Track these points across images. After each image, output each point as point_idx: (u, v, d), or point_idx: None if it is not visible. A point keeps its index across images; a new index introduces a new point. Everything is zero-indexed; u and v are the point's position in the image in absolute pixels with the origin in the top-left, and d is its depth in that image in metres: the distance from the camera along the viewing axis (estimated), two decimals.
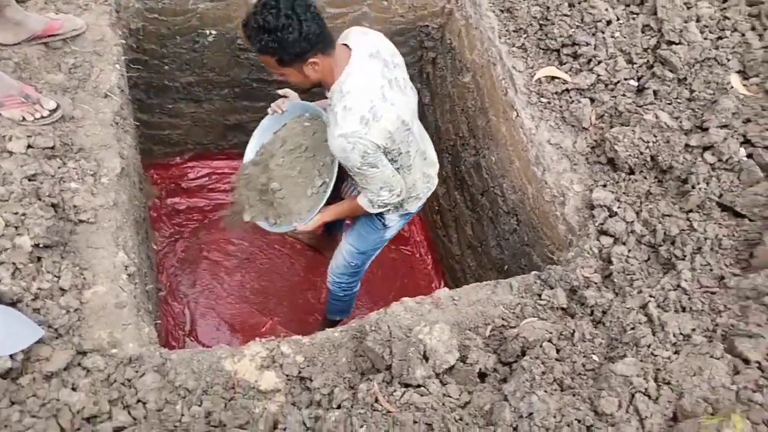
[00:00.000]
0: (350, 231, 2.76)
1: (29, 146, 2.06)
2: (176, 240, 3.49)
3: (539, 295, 2.15)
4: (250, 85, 3.46)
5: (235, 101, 3.54)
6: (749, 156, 2.38)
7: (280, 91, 2.60)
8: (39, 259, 1.82)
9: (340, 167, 2.30)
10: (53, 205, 1.94)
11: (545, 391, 1.67)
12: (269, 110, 2.59)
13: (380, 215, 2.52)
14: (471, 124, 3.23)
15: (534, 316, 2.06)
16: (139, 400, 1.63)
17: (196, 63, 3.24)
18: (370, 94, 2.01)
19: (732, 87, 2.53)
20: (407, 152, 2.24)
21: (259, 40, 1.89)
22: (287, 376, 1.79)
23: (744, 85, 2.56)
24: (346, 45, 2.09)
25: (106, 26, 2.57)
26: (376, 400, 1.68)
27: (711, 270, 2.10)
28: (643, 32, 2.81)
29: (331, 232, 3.51)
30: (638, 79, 2.73)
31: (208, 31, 3.09)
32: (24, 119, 2.15)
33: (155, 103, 3.36)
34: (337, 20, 3.24)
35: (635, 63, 2.74)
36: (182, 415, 1.60)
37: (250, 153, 2.62)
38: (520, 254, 2.86)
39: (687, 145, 2.44)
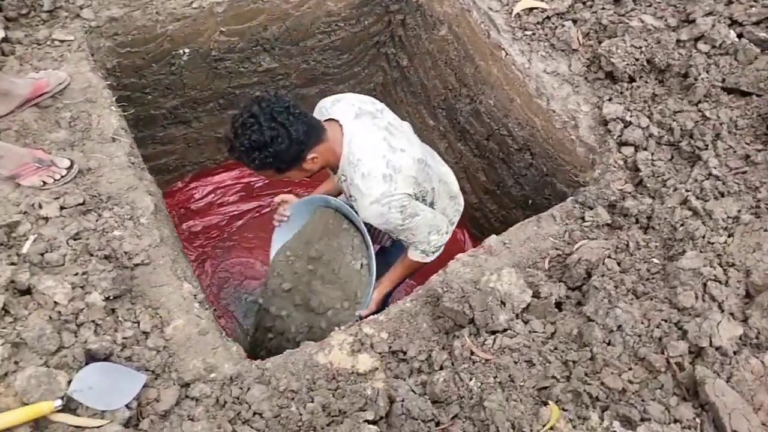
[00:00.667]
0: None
1: (62, 207, 2.07)
2: (204, 261, 3.52)
3: (582, 218, 2.23)
4: (233, 93, 3.45)
5: (222, 113, 3.53)
6: (740, 36, 2.46)
7: (276, 200, 2.50)
8: (113, 310, 1.85)
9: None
10: (106, 257, 1.96)
11: (625, 303, 1.76)
12: (275, 222, 2.49)
13: None
14: (458, 74, 3.26)
15: (584, 239, 2.14)
16: (255, 413, 1.69)
17: (176, 85, 3.22)
18: (379, 151, 1.96)
19: None
20: (432, 188, 2.21)
21: (252, 160, 1.84)
22: (380, 353, 1.86)
23: None
24: (330, 119, 2.03)
25: (88, 72, 2.55)
26: (472, 353, 1.76)
27: (735, 152, 2.20)
28: None
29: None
30: None
31: (181, 51, 3.07)
32: (45, 184, 2.15)
33: (146, 135, 3.35)
34: (302, 6, 3.23)
35: None
36: (300, 414, 1.67)
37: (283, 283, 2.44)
38: (542, 186, 2.93)
39: (678, 41, 2.51)
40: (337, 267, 2.34)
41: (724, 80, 2.37)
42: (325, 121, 2.03)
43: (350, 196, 2.07)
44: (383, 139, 2.00)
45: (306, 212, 2.44)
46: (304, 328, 2.40)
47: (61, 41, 2.60)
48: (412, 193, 2.02)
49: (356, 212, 2.12)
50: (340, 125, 2.00)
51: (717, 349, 1.62)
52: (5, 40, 2.52)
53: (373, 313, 2.12)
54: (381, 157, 1.95)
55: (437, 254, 2.28)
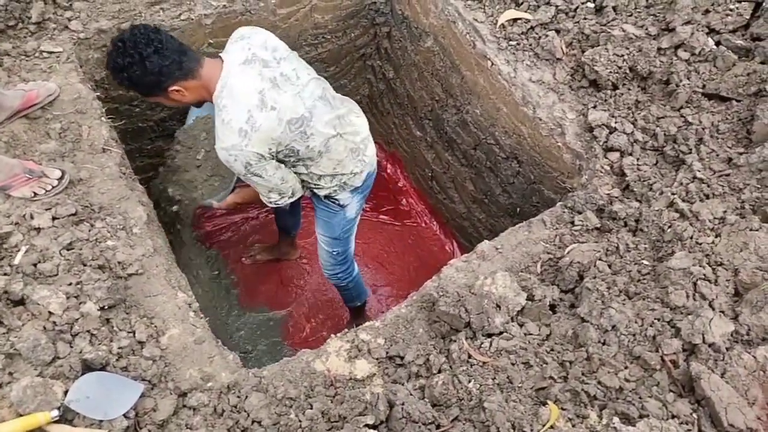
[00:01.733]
0: (317, 223, 2.78)
1: (54, 218, 2.05)
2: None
3: (572, 222, 2.27)
4: None
5: None
6: (718, 44, 2.53)
7: None
8: (108, 320, 1.84)
9: None
10: (100, 267, 1.95)
11: (618, 303, 1.79)
12: None
13: (329, 197, 2.53)
14: (445, 84, 3.31)
15: (575, 242, 2.18)
16: (254, 421, 1.68)
17: None
18: (246, 105, 2.02)
19: None
20: (307, 146, 2.22)
21: (114, 78, 2.03)
22: (377, 359, 1.86)
23: None
24: (218, 57, 2.13)
25: (77, 83, 2.54)
26: (470, 356, 1.78)
27: (718, 155, 2.26)
28: None
29: (289, 233, 3.55)
30: (594, 0, 2.85)
31: None
32: (35, 194, 2.13)
33: (134, 147, 3.33)
34: (289, 19, 3.26)
35: None
36: (300, 421, 1.66)
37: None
38: (530, 193, 2.98)
39: (659, 49, 2.58)
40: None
41: (704, 86, 2.44)
42: (216, 56, 2.13)
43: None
44: (259, 91, 2.06)
45: None
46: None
47: (50, 53, 2.59)
48: (264, 153, 2.10)
49: None
50: (222, 63, 2.08)
51: (710, 345, 1.65)
52: None
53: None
54: (245, 111, 2.03)
55: (278, 206, 2.44)
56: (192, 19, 2.93)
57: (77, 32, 2.68)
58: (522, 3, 2.93)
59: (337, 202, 2.58)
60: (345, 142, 2.37)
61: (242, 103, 2.03)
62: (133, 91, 2.12)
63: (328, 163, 2.35)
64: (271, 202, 2.38)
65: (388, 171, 4.21)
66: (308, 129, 2.18)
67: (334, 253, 2.85)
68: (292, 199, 2.39)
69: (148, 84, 2.02)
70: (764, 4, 2.48)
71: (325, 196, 2.53)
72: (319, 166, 2.35)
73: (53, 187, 2.16)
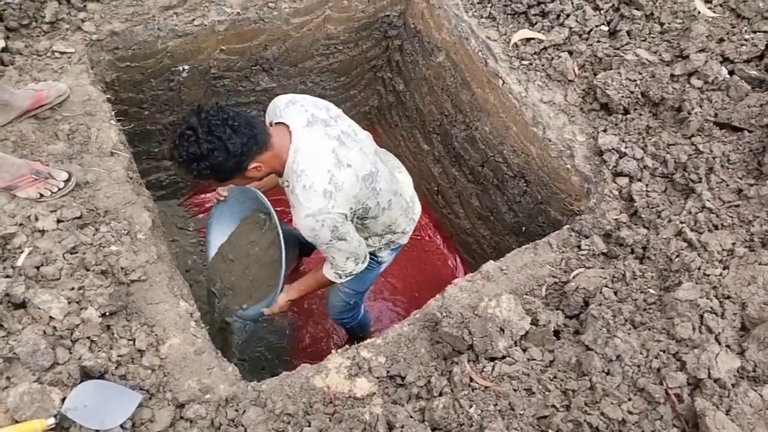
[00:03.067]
0: None
1: (59, 220, 2.04)
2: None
3: (578, 247, 2.25)
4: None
5: None
6: (731, 73, 2.53)
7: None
8: (109, 327, 1.82)
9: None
10: (103, 272, 1.94)
11: (623, 332, 1.78)
12: (215, 197, 2.57)
13: (373, 254, 2.45)
14: (455, 100, 3.31)
15: (581, 267, 2.16)
16: None
17: (174, 101, 3.22)
18: (324, 165, 1.93)
19: (699, 12, 2.66)
20: (377, 204, 2.15)
21: (190, 170, 1.83)
22: (378, 378, 1.85)
23: (709, 8, 2.70)
24: (281, 123, 2.00)
25: (88, 85, 2.54)
26: (471, 380, 1.76)
27: (728, 186, 2.24)
28: None
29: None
30: (608, 23, 2.84)
31: (181, 68, 3.07)
32: (41, 196, 2.12)
33: (141, 150, 3.33)
34: (302, 28, 3.26)
35: (602, 9, 2.86)
36: None
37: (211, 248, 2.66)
38: (536, 213, 2.97)
39: (672, 75, 2.57)
40: (254, 270, 2.51)
41: (716, 115, 2.43)
42: (276, 124, 2.01)
43: (291, 204, 2.05)
44: (332, 150, 1.96)
45: (243, 201, 2.54)
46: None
47: (62, 53, 2.59)
48: (349, 212, 2.00)
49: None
50: (290, 131, 1.96)
51: (715, 381, 1.63)
52: (5, 50, 2.51)
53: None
54: (326, 172, 1.92)
55: (348, 279, 2.29)
56: (205, 25, 2.93)
57: (90, 33, 2.68)
58: (536, 23, 2.93)
59: (376, 259, 2.51)
60: (400, 199, 2.33)
61: (321, 165, 1.92)
62: (205, 180, 1.91)
63: (384, 221, 2.28)
64: (344, 274, 2.22)
65: None
66: (376, 185, 2.11)
67: (350, 303, 2.78)
68: (364, 265, 2.25)
69: (230, 168, 1.84)
70: None
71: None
72: (377, 225, 2.28)
73: (59, 189, 2.15)
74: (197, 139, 1.76)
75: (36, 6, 2.57)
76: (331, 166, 1.93)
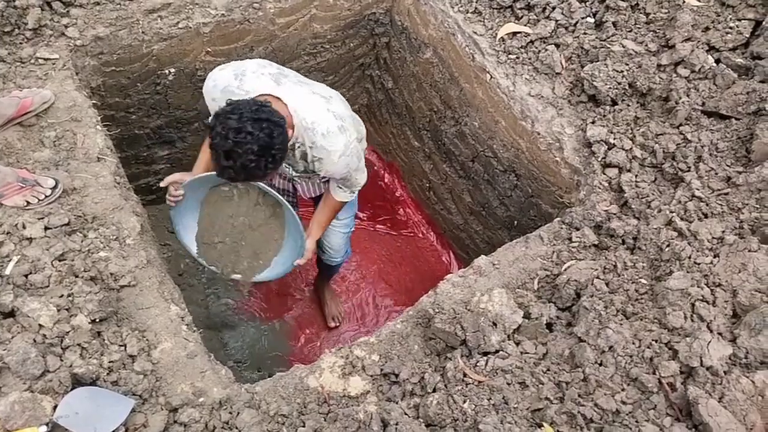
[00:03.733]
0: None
1: (46, 228, 2.03)
2: None
3: (569, 239, 2.25)
4: None
5: (206, 133, 3.51)
6: (717, 61, 2.53)
7: (164, 182, 2.34)
8: (99, 333, 1.81)
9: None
10: (92, 279, 1.92)
11: (615, 323, 1.78)
12: (170, 202, 2.36)
13: None
14: (443, 96, 3.30)
15: (572, 259, 2.16)
16: None
17: (161, 105, 3.20)
18: (320, 108, 1.99)
19: (684, 1, 2.66)
20: (351, 116, 2.25)
21: (264, 167, 1.78)
22: (371, 376, 1.84)
23: None
24: (265, 95, 1.98)
25: (73, 91, 2.52)
26: (465, 375, 1.76)
27: (717, 174, 2.25)
28: None
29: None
30: (594, 15, 2.84)
31: (167, 71, 3.05)
32: (28, 204, 2.11)
33: (130, 154, 3.31)
34: (288, 28, 3.25)
35: (587, 1, 2.86)
36: None
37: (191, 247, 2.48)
38: (528, 206, 2.97)
39: (659, 65, 2.57)
40: (250, 238, 2.42)
41: (704, 104, 2.44)
42: (262, 97, 1.96)
43: (312, 160, 2.06)
44: (311, 93, 2.03)
45: (198, 188, 2.38)
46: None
47: (46, 59, 2.57)
48: (357, 133, 2.12)
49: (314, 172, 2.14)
50: (277, 97, 1.94)
51: (708, 369, 1.64)
52: None
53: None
54: (326, 112, 2.00)
55: (359, 189, 2.38)
56: (190, 28, 2.92)
57: (74, 39, 2.66)
58: (522, 17, 2.93)
59: None
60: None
61: (319, 109, 2.00)
62: (276, 169, 1.86)
63: (359, 129, 2.33)
64: (357, 187, 2.31)
65: (386, 180, 4.20)
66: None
67: (349, 232, 2.82)
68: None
69: (286, 140, 1.82)
70: (764, 22, 2.48)
71: None
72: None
73: (46, 197, 2.13)
74: (251, 134, 1.70)
75: (18, 13, 2.55)
76: (323, 103, 2.03)
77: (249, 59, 2.17)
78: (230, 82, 2.04)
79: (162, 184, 2.37)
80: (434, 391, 1.75)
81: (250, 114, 1.72)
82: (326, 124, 1.99)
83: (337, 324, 3.50)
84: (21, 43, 2.58)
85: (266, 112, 1.77)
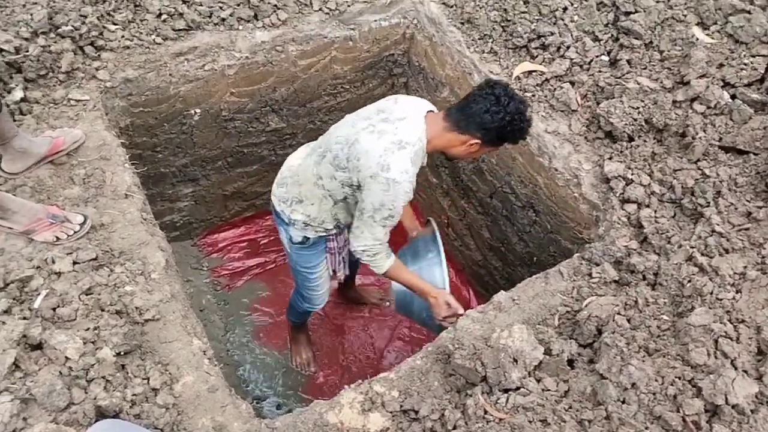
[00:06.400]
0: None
1: (74, 262, 2.09)
2: None
3: (590, 275, 2.25)
4: (241, 152, 3.53)
5: (230, 171, 3.60)
6: (733, 97, 2.55)
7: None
8: (123, 366, 1.84)
9: None
10: (118, 312, 1.96)
11: (637, 360, 1.76)
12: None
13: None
14: None
15: (592, 295, 2.16)
16: None
17: (187, 144, 3.29)
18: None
19: (697, 39, 2.70)
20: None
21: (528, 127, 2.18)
22: (391, 413, 1.84)
23: (707, 35, 2.74)
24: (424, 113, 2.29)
25: (103, 130, 2.62)
26: (485, 412, 1.74)
27: (736, 209, 2.24)
28: (599, 10, 2.98)
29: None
30: (609, 53, 2.89)
31: (193, 111, 3.16)
32: (58, 239, 2.17)
33: (155, 192, 3.40)
34: (309, 70, 3.34)
35: (601, 39, 2.91)
36: None
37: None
38: (547, 243, 2.97)
39: (675, 101, 2.60)
40: None
41: (721, 139, 2.45)
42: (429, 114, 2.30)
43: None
44: None
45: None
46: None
47: (77, 101, 2.68)
48: None
49: None
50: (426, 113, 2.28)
51: (733, 407, 1.61)
52: (24, 99, 2.60)
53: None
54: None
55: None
56: (215, 70, 3.02)
57: (104, 81, 2.77)
58: (537, 56, 2.99)
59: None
60: None
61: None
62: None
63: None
64: (376, 226, 2.34)
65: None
66: None
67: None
68: None
69: None
70: None
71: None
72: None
73: (75, 232, 2.20)
74: (521, 102, 2.11)
75: (53, 57, 2.67)
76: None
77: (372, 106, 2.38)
78: (392, 113, 2.28)
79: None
80: (455, 428, 1.73)
81: (493, 88, 2.10)
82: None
83: (309, 372, 3.45)
84: (54, 86, 2.69)
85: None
